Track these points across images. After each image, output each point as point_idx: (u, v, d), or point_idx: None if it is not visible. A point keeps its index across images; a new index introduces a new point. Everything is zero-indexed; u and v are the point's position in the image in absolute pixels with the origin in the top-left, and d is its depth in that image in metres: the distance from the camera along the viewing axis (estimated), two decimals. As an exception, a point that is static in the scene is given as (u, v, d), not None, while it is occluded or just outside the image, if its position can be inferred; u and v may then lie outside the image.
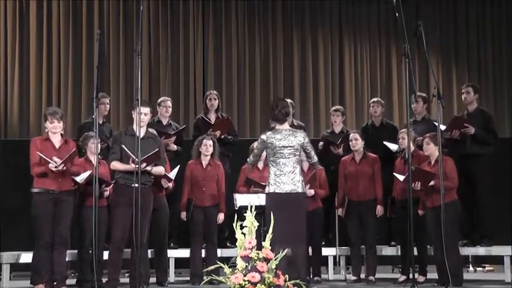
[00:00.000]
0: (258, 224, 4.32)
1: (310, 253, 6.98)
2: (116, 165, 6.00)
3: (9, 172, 7.93)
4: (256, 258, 4.15)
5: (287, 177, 5.47)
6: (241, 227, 4.25)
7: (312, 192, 6.79)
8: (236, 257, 4.21)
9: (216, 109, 7.78)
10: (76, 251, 6.62)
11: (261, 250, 4.21)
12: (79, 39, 9.70)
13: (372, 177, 6.98)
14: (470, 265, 7.96)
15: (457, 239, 6.55)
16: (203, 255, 6.95)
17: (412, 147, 6.57)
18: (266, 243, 4.24)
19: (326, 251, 7.40)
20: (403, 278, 6.88)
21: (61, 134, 6.16)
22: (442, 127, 7.00)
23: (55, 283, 6.04)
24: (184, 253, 7.17)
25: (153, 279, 6.75)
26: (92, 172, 6.01)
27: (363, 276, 7.03)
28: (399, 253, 7.15)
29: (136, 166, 5.52)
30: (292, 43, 10.23)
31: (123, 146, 5.87)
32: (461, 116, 7.57)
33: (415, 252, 6.46)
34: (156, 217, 6.62)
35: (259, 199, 5.71)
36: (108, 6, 9.84)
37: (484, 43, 10.53)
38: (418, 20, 5.69)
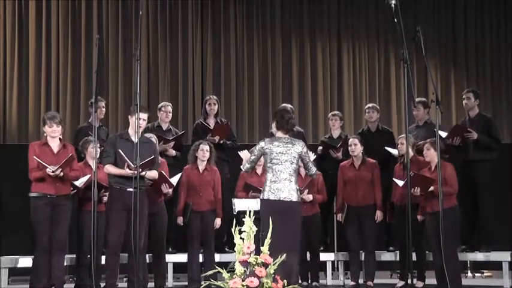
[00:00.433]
0: (256, 229, 4.31)
1: (308, 258, 6.98)
2: (110, 169, 5.94)
3: (8, 177, 7.93)
4: (254, 263, 4.14)
5: (282, 184, 5.46)
6: (240, 232, 4.25)
7: (310, 197, 6.79)
8: (234, 262, 4.20)
9: (216, 114, 7.78)
10: (74, 256, 6.62)
11: (259, 255, 4.20)
12: (78, 43, 9.71)
13: (371, 183, 6.99)
14: (469, 271, 7.95)
15: (456, 244, 6.55)
16: (201, 260, 6.95)
17: (411, 153, 6.57)
18: (265, 248, 4.24)
19: (324, 256, 7.40)
20: (401, 283, 6.89)
21: (59, 139, 6.16)
22: (443, 133, 7.01)
23: (53, 287, 6.03)
24: (182, 258, 7.17)
25: (151, 284, 6.74)
26: (91, 176, 6.01)
27: (361, 281, 7.03)
28: (398, 258, 7.15)
29: (134, 172, 5.52)
30: (291, 48, 10.25)
31: (120, 150, 5.84)
32: (463, 122, 7.56)
33: (414, 258, 6.46)
34: (154, 222, 6.63)
35: (258, 204, 5.71)
36: (106, 11, 9.85)
37: (483, 48, 10.56)
38: (417, 25, 5.70)
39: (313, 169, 5.71)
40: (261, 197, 5.56)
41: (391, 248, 7.58)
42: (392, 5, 5.47)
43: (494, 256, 7.18)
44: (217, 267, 4.32)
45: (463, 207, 6.69)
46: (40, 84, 9.59)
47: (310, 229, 6.81)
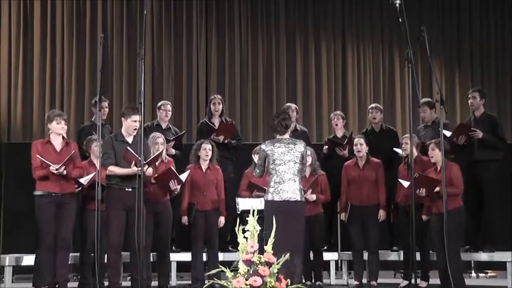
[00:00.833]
0: (260, 228, 4.31)
1: (312, 258, 6.98)
2: (115, 169, 5.92)
3: (12, 175, 7.94)
4: (258, 262, 4.14)
5: (287, 185, 5.47)
6: (243, 231, 4.25)
7: (313, 197, 6.78)
8: (238, 261, 4.21)
9: (220, 113, 7.78)
10: (78, 254, 6.64)
11: (263, 254, 4.20)
12: (82, 43, 9.74)
13: (375, 182, 6.97)
14: (473, 271, 7.94)
15: (460, 245, 6.54)
16: (204, 259, 6.95)
17: (415, 153, 6.56)
18: (268, 248, 4.24)
19: (328, 256, 7.39)
20: (405, 283, 6.88)
21: (63, 137, 6.18)
22: (447, 133, 6.99)
23: (57, 286, 6.05)
24: (186, 257, 7.17)
25: (154, 283, 6.75)
26: (95, 175, 6.02)
27: (365, 281, 7.02)
28: (401, 258, 7.15)
29: (139, 169, 5.54)
30: (295, 47, 10.25)
31: (128, 147, 5.87)
32: (468, 121, 7.54)
33: (418, 258, 6.45)
34: (159, 221, 6.63)
35: (262, 203, 5.71)
36: (111, 10, 9.87)
37: (487, 48, 10.54)
38: (421, 25, 5.69)
39: (305, 170, 5.89)
40: (265, 198, 5.56)
41: (394, 248, 7.57)
42: (397, 5, 5.46)
43: (498, 256, 7.17)
44: (220, 266, 4.33)
45: (467, 207, 6.67)
46: (45, 83, 9.61)
47: (313, 229, 6.80)
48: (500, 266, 7.41)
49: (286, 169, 5.50)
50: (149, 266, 6.63)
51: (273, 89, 10.14)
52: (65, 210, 6.06)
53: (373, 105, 8.07)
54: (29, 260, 6.87)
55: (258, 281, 4.07)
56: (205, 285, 5.07)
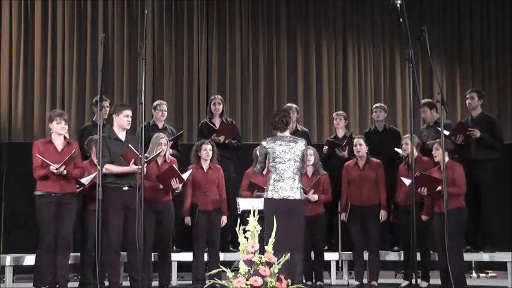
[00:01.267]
0: (260, 228, 4.31)
1: (313, 258, 6.98)
2: (111, 167, 5.94)
3: (13, 175, 7.94)
4: (258, 262, 4.14)
5: (286, 183, 5.48)
6: (244, 231, 4.25)
7: (315, 197, 6.78)
8: (239, 261, 4.21)
9: (221, 114, 7.79)
10: (79, 254, 6.64)
11: (263, 254, 4.20)
12: (83, 43, 9.74)
13: (376, 182, 6.97)
14: (473, 271, 7.94)
15: (461, 245, 6.54)
16: (205, 259, 6.95)
17: (416, 153, 6.56)
18: (269, 248, 4.24)
19: (328, 256, 7.39)
20: (405, 283, 6.88)
21: (64, 137, 6.18)
22: (447, 132, 6.99)
23: (57, 286, 6.05)
24: (187, 257, 7.18)
25: (155, 283, 6.75)
26: (97, 174, 6.02)
27: (365, 281, 7.02)
28: (402, 258, 7.14)
29: (139, 167, 5.54)
30: (296, 47, 10.25)
31: (130, 145, 5.89)
32: (466, 121, 7.55)
33: (418, 258, 6.45)
34: (160, 221, 6.63)
35: (262, 203, 5.71)
36: (112, 10, 9.88)
37: (488, 48, 10.54)
38: (422, 25, 5.69)
39: (306, 169, 5.89)
40: (264, 196, 5.56)
41: (395, 248, 7.57)
42: (398, 5, 5.47)
43: (499, 256, 7.17)
44: (221, 266, 4.33)
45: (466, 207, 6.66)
46: (45, 83, 9.62)
47: (314, 229, 6.81)
48: (501, 266, 7.41)
49: (286, 167, 5.50)
50: (150, 265, 6.63)
51: (274, 89, 10.14)
52: (66, 210, 6.06)
53: (377, 104, 8.08)
54: (29, 260, 6.87)
55: (259, 281, 4.07)
56: (206, 285, 5.09)
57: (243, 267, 4.15)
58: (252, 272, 4.12)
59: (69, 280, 6.33)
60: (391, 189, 7.03)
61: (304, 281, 6.28)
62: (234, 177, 7.50)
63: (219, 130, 7.52)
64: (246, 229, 4.27)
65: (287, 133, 5.68)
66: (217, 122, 7.70)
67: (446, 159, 6.40)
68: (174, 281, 7.21)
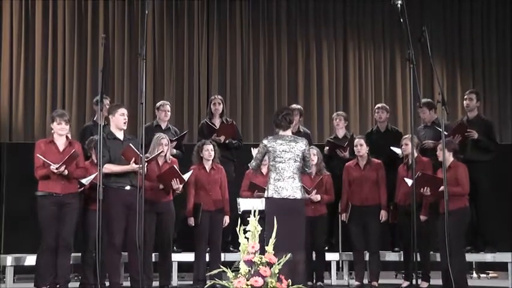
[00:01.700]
0: (261, 228, 4.32)
1: (314, 258, 6.97)
2: (111, 167, 5.95)
3: (13, 175, 7.95)
4: (259, 262, 4.14)
5: (286, 182, 5.48)
6: (245, 232, 4.25)
7: (318, 197, 6.77)
8: (239, 262, 4.21)
9: (221, 114, 7.78)
10: (79, 254, 6.63)
11: (264, 254, 4.20)
12: (84, 43, 9.74)
13: (376, 183, 6.97)
14: (474, 271, 7.93)
15: (464, 245, 6.54)
16: (207, 259, 6.95)
17: (415, 153, 6.56)
18: (269, 248, 4.24)
19: (329, 256, 7.39)
20: (406, 283, 6.88)
21: (66, 137, 6.19)
22: (445, 133, 6.99)
23: (58, 286, 6.05)
24: (188, 257, 7.17)
25: (155, 283, 6.75)
26: (97, 175, 6.02)
27: (365, 281, 7.02)
28: (402, 259, 7.14)
29: (139, 166, 5.55)
30: (297, 47, 10.25)
31: (130, 144, 5.91)
32: (461, 121, 7.56)
33: (418, 258, 6.45)
34: (161, 221, 6.64)
35: (263, 204, 5.71)
36: (113, 10, 9.88)
37: (489, 48, 10.54)
38: (423, 25, 5.69)
39: (311, 168, 5.87)
40: (265, 195, 5.56)
41: (396, 249, 7.57)
42: (399, 5, 5.46)
43: (501, 257, 7.18)
44: (221, 266, 4.33)
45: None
46: (46, 83, 9.62)
47: (316, 229, 6.81)
48: (502, 267, 7.41)
49: (286, 167, 5.50)
50: (151, 266, 6.63)
51: (274, 89, 10.14)
52: (67, 210, 6.05)
53: (379, 105, 8.08)
54: (30, 260, 6.88)
55: (259, 281, 4.07)
56: (207, 286, 5.09)
57: (243, 268, 4.15)
58: (252, 273, 4.12)
59: (70, 280, 6.32)
60: (392, 190, 7.03)
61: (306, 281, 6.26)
62: (235, 177, 7.50)
63: (219, 130, 7.52)
64: (247, 229, 4.27)
65: (289, 132, 5.67)
66: (217, 122, 7.70)
67: (451, 159, 6.41)
68: (175, 281, 7.21)
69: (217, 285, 5.78)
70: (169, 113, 7.73)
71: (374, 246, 6.95)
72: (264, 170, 6.91)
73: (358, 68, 10.38)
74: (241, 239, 4.23)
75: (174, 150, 7.33)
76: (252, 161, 5.78)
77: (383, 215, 6.94)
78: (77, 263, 6.80)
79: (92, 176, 6.30)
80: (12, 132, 9.47)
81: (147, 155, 6.17)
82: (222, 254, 7.06)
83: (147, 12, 5.98)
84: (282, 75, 10.18)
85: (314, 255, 6.96)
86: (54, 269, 6.04)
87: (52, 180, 5.99)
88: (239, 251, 4.25)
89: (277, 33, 10.23)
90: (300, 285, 4.41)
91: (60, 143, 6.14)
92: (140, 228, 5.37)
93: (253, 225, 4.26)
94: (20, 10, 9.62)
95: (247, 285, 4.07)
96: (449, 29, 10.57)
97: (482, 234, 7.36)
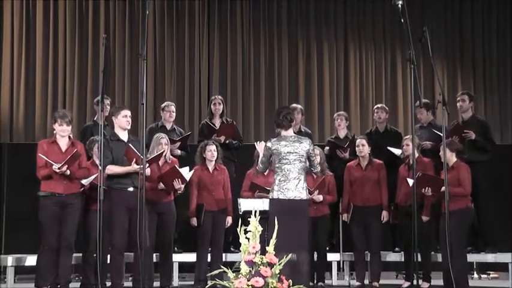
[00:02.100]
0: (262, 228, 4.32)
1: (315, 258, 6.97)
2: (114, 168, 5.98)
3: (14, 175, 7.95)
4: (260, 263, 4.15)
5: (292, 183, 5.48)
6: (246, 232, 4.25)
7: (320, 198, 6.77)
8: (240, 262, 4.21)
9: (221, 114, 7.79)
10: (80, 255, 6.63)
11: (264, 255, 4.21)
12: (85, 43, 9.74)
13: (378, 183, 6.98)
14: (475, 272, 7.93)
15: (465, 245, 6.54)
16: (208, 259, 6.94)
17: (416, 154, 6.55)
18: (270, 248, 4.24)
19: (330, 257, 7.38)
20: (407, 284, 6.88)
21: (69, 137, 6.20)
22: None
23: (59, 286, 6.05)
24: (188, 257, 7.17)
25: (156, 283, 6.75)
26: (97, 175, 6.03)
27: (366, 282, 7.03)
28: (403, 259, 7.14)
29: (141, 167, 5.55)
30: (297, 48, 10.25)
31: (130, 145, 5.92)
32: (457, 123, 7.57)
33: (419, 258, 6.45)
34: (162, 222, 6.64)
35: (264, 204, 5.72)
36: (113, 10, 9.88)
37: (490, 48, 10.53)
38: (423, 26, 5.69)
39: (318, 167, 5.80)
40: (270, 197, 5.55)
41: (396, 249, 7.57)
42: (399, 6, 5.46)
43: (503, 257, 7.17)
44: (222, 266, 4.33)
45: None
46: (47, 83, 9.62)
47: (318, 230, 6.81)
48: (503, 267, 7.40)
49: (292, 168, 5.50)
50: (152, 266, 6.63)
51: (275, 89, 10.14)
52: (69, 210, 6.06)
53: (378, 105, 8.09)
54: (31, 260, 6.88)
55: (260, 281, 4.07)
56: (208, 286, 5.08)
57: (244, 268, 4.15)
58: (253, 273, 4.12)
59: (71, 281, 6.32)
60: (393, 190, 7.03)
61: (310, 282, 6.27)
62: (235, 178, 7.50)
63: (219, 130, 7.52)
64: (247, 230, 4.27)
65: (291, 132, 5.66)
66: (217, 122, 7.71)
67: (454, 159, 6.41)
68: (176, 281, 7.21)
69: (218, 286, 5.78)
70: (174, 114, 7.74)
71: (375, 247, 6.95)
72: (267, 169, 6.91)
73: (358, 68, 10.37)
74: (242, 239, 4.23)
75: (179, 151, 7.34)
76: (259, 164, 5.77)
77: (384, 215, 6.94)
78: (78, 263, 6.81)
79: (92, 177, 6.30)
80: (13, 132, 9.46)
81: (148, 155, 6.17)
82: (223, 255, 7.06)
83: (147, 12, 5.98)
84: (283, 76, 10.18)
85: (315, 255, 6.96)
86: (55, 269, 6.04)
87: (54, 181, 6.00)
88: (240, 251, 4.25)
89: (278, 33, 10.23)
90: (301, 286, 4.42)
91: (63, 143, 6.15)
92: (142, 229, 5.37)
93: (254, 225, 4.26)
94: (21, 10, 9.62)
95: (248, 285, 4.07)
96: (450, 29, 10.56)
97: (483, 235, 7.37)
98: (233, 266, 4.26)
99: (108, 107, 7.59)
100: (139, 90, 5.88)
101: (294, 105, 7.97)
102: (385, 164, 7.11)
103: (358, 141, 7.08)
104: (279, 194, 5.47)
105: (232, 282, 4.14)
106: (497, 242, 7.32)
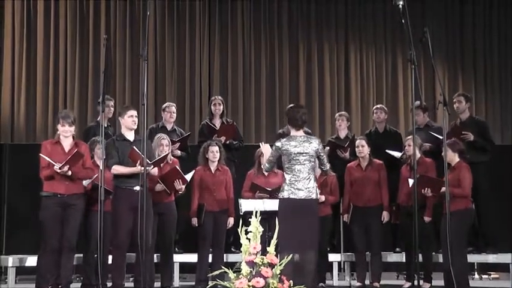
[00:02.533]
0: (262, 229, 4.32)
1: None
2: (119, 168, 6.02)
3: (15, 176, 7.96)
4: (260, 263, 4.15)
5: (302, 183, 5.48)
6: (246, 232, 4.26)
7: (322, 198, 6.75)
8: (241, 262, 4.21)
9: (221, 114, 7.79)
10: (81, 255, 6.64)
11: (265, 255, 4.21)
12: (86, 44, 9.75)
13: (378, 184, 6.98)
14: (476, 272, 7.93)
15: (466, 246, 6.54)
16: (209, 260, 6.95)
17: (418, 154, 6.56)
18: (271, 249, 4.25)
19: (331, 257, 7.39)
20: (408, 284, 6.88)
21: (73, 137, 6.20)
22: (439, 136, 6.99)
23: (60, 287, 6.05)
24: (189, 258, 7.18)
25: (157, 284, 6.75)
26: (97, 176, 6.03)
27: (367, 282, 7.02)
28: (404, 259, 7.14)
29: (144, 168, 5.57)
30: (298, 48, 10.25)
31: (134, 147, 5.93)
32: (455, 124, 7.58)
33: (420, 259, 6.45)
34: (163, 222, 6.64)
35: (264, 204, 5.72)
36: (114, 11, 9.89)
37: (490, 50, 10.53)
38: (424, 26, 5.69)
39: (328, 165, 5.78)
40: (280, 196, 5.54)
41: (397, 249, 7.57)
42: (400, 6, 5.46)
43: (504, 258, 7.17)
44: (223, 267, 4.33)
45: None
46: (48, 84, 9.63)
47: (320, 230, 6.79)
48: (503, 268, 7.40)
49: (302, 168, 5.51)
50: (153, 267, 6.63)
51: (276, 91, 10.14)
52: (71, 211, 6.05)
53: (378, 105, 8.10)
54: (32, 261, 6.88)
55: (261, 282, 4.07)
56: (208, 286, 5.09)
57: (245, 269, 4.15)
58: (254, 273, 4.12)
59: (72, 281, 6.32)
60: (394, 191, 7.03)
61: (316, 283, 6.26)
62: (236, 178, 7.50)
63: (219, 131, 7.52)
64: (248, 230, 4.27)
65: (301, 132, 5.66)
66: (217, 122, 7.71)
67: (457, 159, 6.41)
68: (176, 282, 7.22)
69: (219, 286, 5.79)
70: (174, 115, 7.74)
71: (376, 247, 6.95)
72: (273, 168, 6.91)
73: (359, 69, 10.37)
74: (243, 239, 4.23)
75: (179, 152, 7.34)
76: (265, 163, 5.77)
77: (385, 215, 6.94)
78: (79, 263, 6.81)
79: (93, 177, 6.30)
80: (14, 133, 9.48)
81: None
82: (224, 255, 7.07)
83: (148, 13, 6.00)
84: (284, 77, 10.18)
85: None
86: (55, 269, 6.04)
87: (56, 181, 6.00)
88: (241, 252, 4.25)
89: (278, 35, 10.23)
90: (302, 286, 4.42)
91: (66, 144, 6.15)
92: (145, 229, 5.37)
93: (255, 226, 4.27)
94: (22, 10, 9.64)
95: (249, 285, 4.07)
96: (450, 31, 10.55)
97: (483, 235, 7.37)
98: (234, 266, 4.25)
99: (112, 109, 7.62)
100: (140, 91, 5.89)
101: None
102: (386, 164, 7.11)
103: (357, 142, 7.09)
104: (290, 194, 5.47)
105: (233, 283, 4.14)
106: (498, 243, 7.33)
